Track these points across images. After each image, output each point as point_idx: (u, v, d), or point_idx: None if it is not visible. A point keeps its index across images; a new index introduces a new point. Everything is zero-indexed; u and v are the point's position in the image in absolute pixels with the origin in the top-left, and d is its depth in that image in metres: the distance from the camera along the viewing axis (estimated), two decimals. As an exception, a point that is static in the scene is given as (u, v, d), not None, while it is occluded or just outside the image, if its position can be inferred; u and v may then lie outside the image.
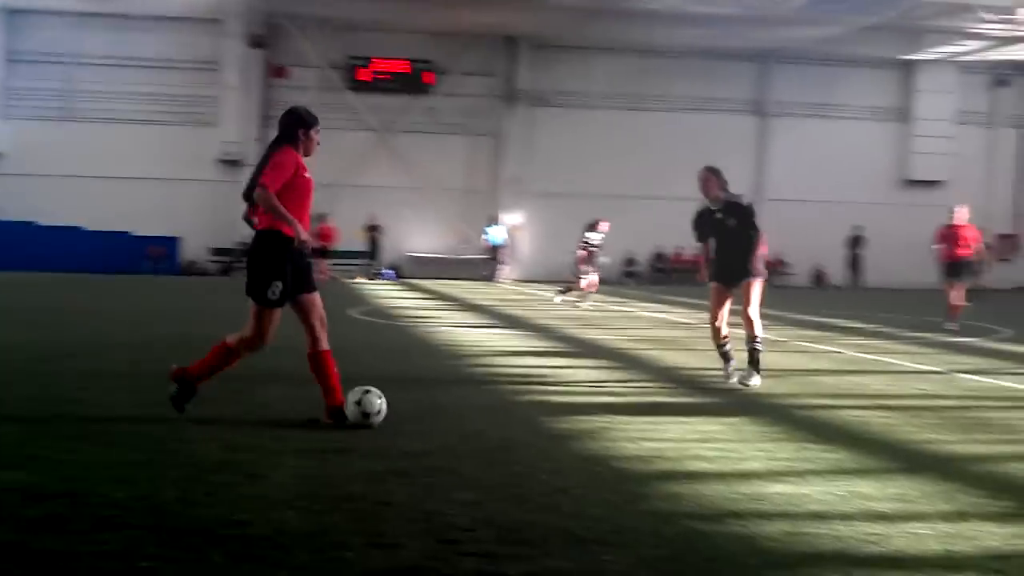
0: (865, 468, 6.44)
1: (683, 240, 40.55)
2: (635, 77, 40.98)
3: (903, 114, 42.90)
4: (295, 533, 4.74)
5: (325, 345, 7.41)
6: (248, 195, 7.38)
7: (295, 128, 7.48)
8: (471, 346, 13.68)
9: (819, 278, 40.61)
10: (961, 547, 4.73)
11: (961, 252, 18.66)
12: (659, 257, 41.15)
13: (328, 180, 36.06)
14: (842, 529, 4.98)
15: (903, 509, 5.40)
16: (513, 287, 33.60)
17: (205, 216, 37.51)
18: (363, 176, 38.45)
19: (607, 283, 38.10)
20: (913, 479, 6.11)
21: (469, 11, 36.48)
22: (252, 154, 38.28)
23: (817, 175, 40.70)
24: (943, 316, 18.44)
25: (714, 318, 10.44)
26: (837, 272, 40.10)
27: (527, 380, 10.26)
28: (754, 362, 10.23)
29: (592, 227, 23.76)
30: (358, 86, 39.35)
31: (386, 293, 27.50)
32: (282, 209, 7.12)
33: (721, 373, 10.46)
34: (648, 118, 40.69)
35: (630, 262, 40.43)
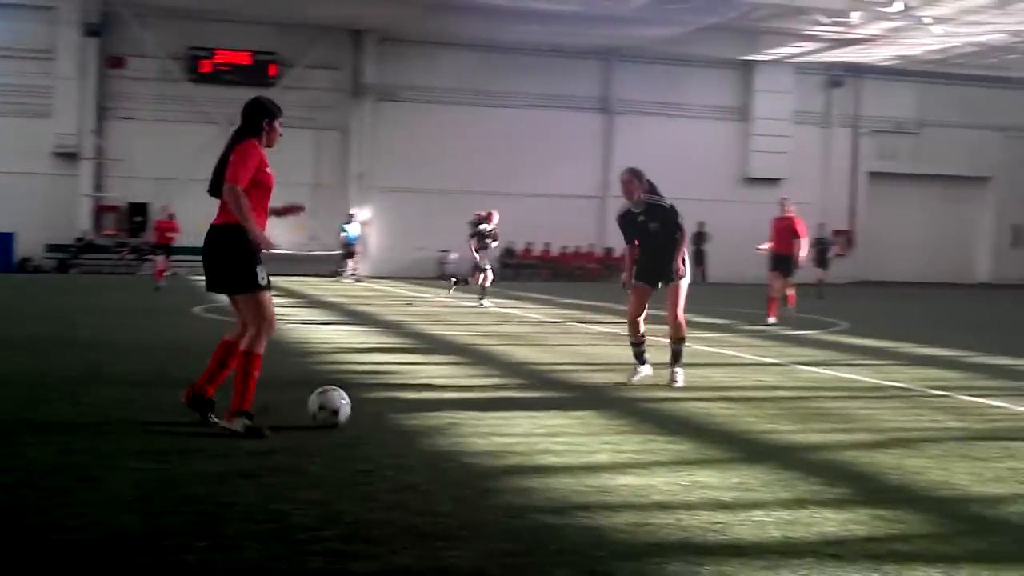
0: (708, 458, 6.56)
1: (532, 236, 41.12)
2: (482, 73, 41.15)
3: (743, 113, 44.13)
4: (133, 536, 4.58)
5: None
6: (214, 190, 7.10)
7: (259, 118, 7.17)
8: (319, 343, 13.50)
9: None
10: (799, 533, 4.85)
11: (789, 246, 18.69)
12: (509, 253, 41.36)
13: (170, 174, 35.32)
14: (686, 519, 5.06)
15: (744, 498, 5.52)
16: (364, 283, 33.31)
17: (41, 211, 36.23)
18: (206, 170, 37.40)
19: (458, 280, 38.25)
20: (754, 468, 6.25)
21: (315, 3, 36.08)
22: (89, 147, 37.15)
23: (661, 172, 40.18)
24: (765, 310, 18.71)
25: (633, 315, 10.23)
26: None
27: (375, 377, 10.17)
28: (677, 360, 10.14)
29: (484, 219, 23.49)
30: (199, 78, 38.51)
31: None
32: (247, 211, 6.83)
33: (621, 378, 10.17)
34: (495, 114, 40.91)
35: (479, 258, 40.58)
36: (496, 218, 23.09)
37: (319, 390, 7.32)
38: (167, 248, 26.12)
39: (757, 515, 5.16)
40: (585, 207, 41.39)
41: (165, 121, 37.87)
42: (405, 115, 40.44)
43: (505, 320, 18.65)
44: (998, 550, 4.72)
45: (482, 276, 22.60)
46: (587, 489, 5.64)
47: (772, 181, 43.55)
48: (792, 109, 44.07)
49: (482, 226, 22.99)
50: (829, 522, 5.06)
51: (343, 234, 35.36)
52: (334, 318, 18.27)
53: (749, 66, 43.47)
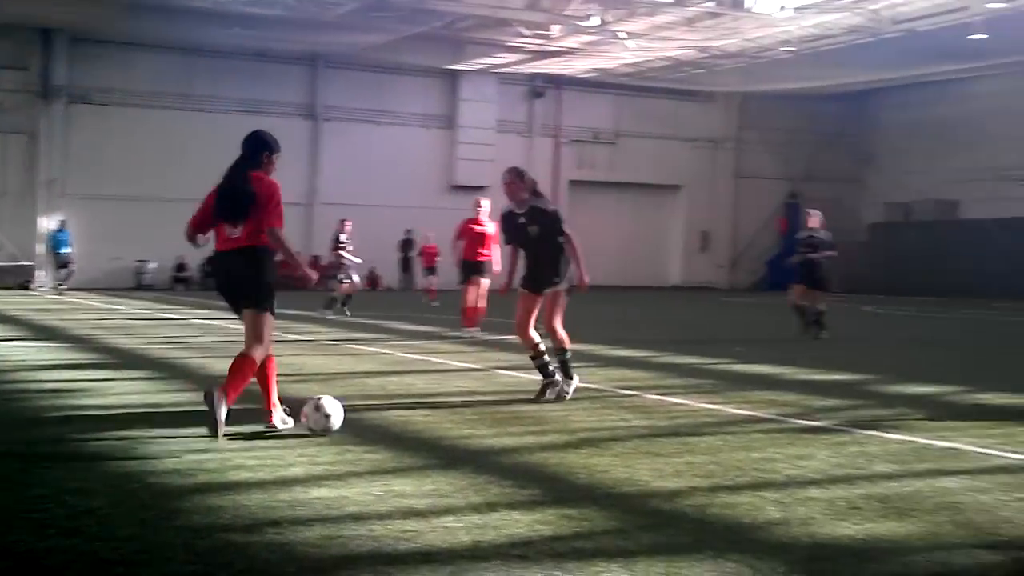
0: (404, 467, 6.58)
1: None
2: (183, 77, 39.84)
3: (449, 121, 44.72)
4: None
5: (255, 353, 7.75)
6: (231, 215, 7.68)
7: (261, 151, 7.91)
8: None
9: (373, 281, 41.47)
10: (489, 537, 4.93)
11: (482, 252, 17.67)
12: (211, 262, 40.30)
13: None
14: (378, 528, 5.04)
15: (437, 504, 5.56)
16: (62, 296, 31.59)
17: None
18: None
19: (156, 290, 36.89)
20: (448, 474, 6.31)
21: (-1, -1, 33.96)
22: None
23: (369, 180, 41.39)
24: (460, 319, 18.10)
25: (522, 326, 9.83)
26: (390, 275, 41.08)
27: (58, 396, 9.62)
28: (566, 369, 9.84)
29: (340, 230, 22.81)
30: None
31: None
32: (291, 249, 7.86)
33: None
34: (198, 119, 39.65)
35: (180, 267, 39.25)
36: (349, 227, 22.79)
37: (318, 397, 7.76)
38: None
39: (449, 521, 5.21)
40: (292, 215, 40.13)
41: None
42: (101, 119, 38.58)
43: (206, 331, 18.14)
44: (674, 542, 4.95)
45: (345, 285, 22.54)
46: (279, 504, 5.53)
47: (477, 188, 44.40)
48: (496, 118, 45.07)
49: (341, 237, 22.61)
50: (518, 524, 5.17)
51: (57, 244, 33.84)
52: (18, 333, 17.20)
53: (455, 75, 44.14)
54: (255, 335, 7.75)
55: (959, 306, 32.35)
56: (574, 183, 47.46)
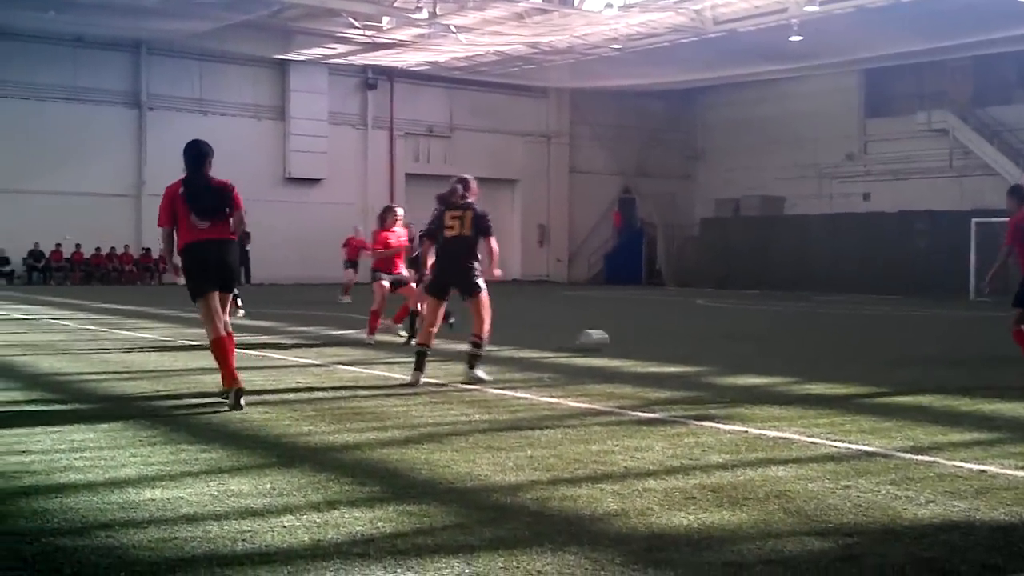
0: (241, 466, 6.45)
1: (62, 237, 38.66)
2: (-5, 62, 38.14)
3: (280, 112, 44.04)
4: None
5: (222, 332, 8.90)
6: (209, 214, 9.01)
7: (207, 158, 9.38)
8: None
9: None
10: (329, 535, 4.86)
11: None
12: (35, 255, 38.74)
13: None
14: (215, 529, 4.92)
15: (275, 503, 5.46)
16: None
17: None
18: None
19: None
20: (287, 472, 6.21)
21: None
22: None
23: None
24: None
25: (431, 323, 10.79)
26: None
27: None
28: (473, 360, 10.79)
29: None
30: None
31: None
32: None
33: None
34: (11, 106, 38.08)
35: (3, 261, 37.67)
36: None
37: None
38: None
39: (288, 520, 5.12)
40: (119, 206, 39.65)
41: None
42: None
43: (31, 328, 17.44)
44: (514, 536, 4.97)
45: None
46: (110, 506, 5.35)
47: (312, 181, 43.92)
48: (328, 110, 44.61)
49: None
50: (358, 521, 5.12)
51: None
52: None
53: (285, 65, 43.52)
54: (227, 312, 9.14)
55: (785, 299, 33.53)
56: (410, 176, 47.37)
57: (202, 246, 9.00)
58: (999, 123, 42.70)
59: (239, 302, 19.88)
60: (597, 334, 14.55)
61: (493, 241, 10.76)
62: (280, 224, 40.49)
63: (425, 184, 47.26)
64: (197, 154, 9.25)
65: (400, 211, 16.18)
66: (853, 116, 47.74)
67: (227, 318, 9.09)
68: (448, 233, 10.64)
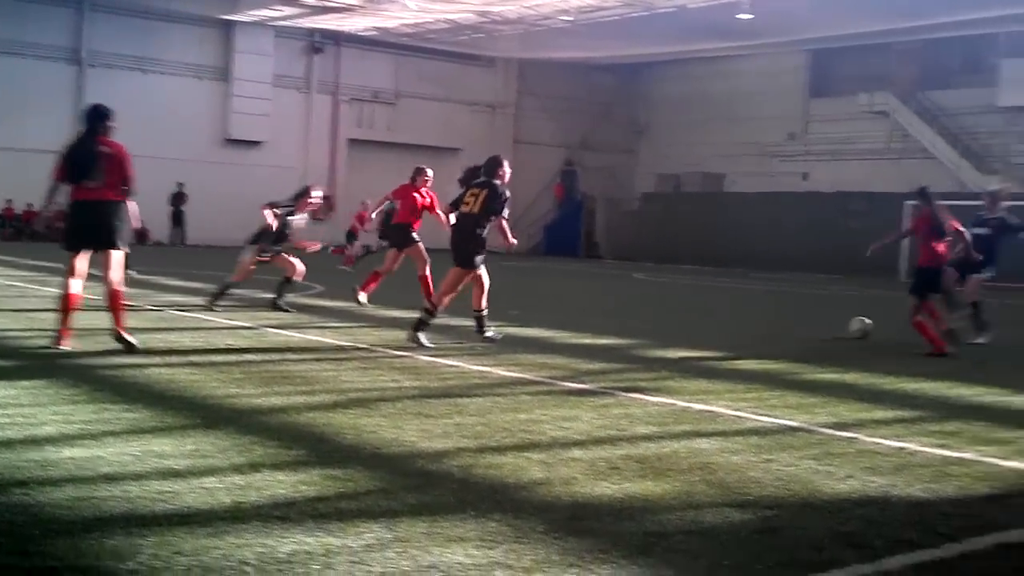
0: (165, 426, 6.38)
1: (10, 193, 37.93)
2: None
3: (223, 73, 43.43)
4: None
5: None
6: (88, 175, 9.45)
7: (105, 120, 9.69)
8: None
9: (141, 235, 39.96)
10: (250, 498, 4.83)
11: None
12: (77, 208, 37.92)
13: None
14: (133, 489, 4.87)
15: (198, 465, 5.41)
16: None
17: None
18: None
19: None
20: (211, 434, 6.16)
21: None
22: None
23: (139, 130, 39.20)
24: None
25: (447, 291, 11.39)
26: (160, 229, 39.70)
27: None
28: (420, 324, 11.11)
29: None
30: None
31: None
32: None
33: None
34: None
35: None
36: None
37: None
38: None
39: (209, 482, 5.08)
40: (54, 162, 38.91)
41: None
42: None
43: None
44: (438, 502, 4.97)
45: None
46: (28, 464, 5.28)
47: (253, 144, 43.44)
48: (273, 72, 44.06)
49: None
50: (281, 484, 5.09)
51: None
52: None
53: (230, 25, 42.87)
54: (119, 269, 9.54)
55: (723, 275, 33.79)
56: (353, 142, 47.00)
57: (80, 205, 9.55)
58: (939, 107, 43.19)
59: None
60: (858, 322, 13.86)
61: (504, 221, 11.34)
62: (219, 186, 40.05)
63: (367, 150, 47.14)
64: (91, 116, 9.71)
65: (430, 172, 16.21)
66: (797, 96, 48.02)
67: (117, 275, 9.54)
68: (463, 208, 11.37)
